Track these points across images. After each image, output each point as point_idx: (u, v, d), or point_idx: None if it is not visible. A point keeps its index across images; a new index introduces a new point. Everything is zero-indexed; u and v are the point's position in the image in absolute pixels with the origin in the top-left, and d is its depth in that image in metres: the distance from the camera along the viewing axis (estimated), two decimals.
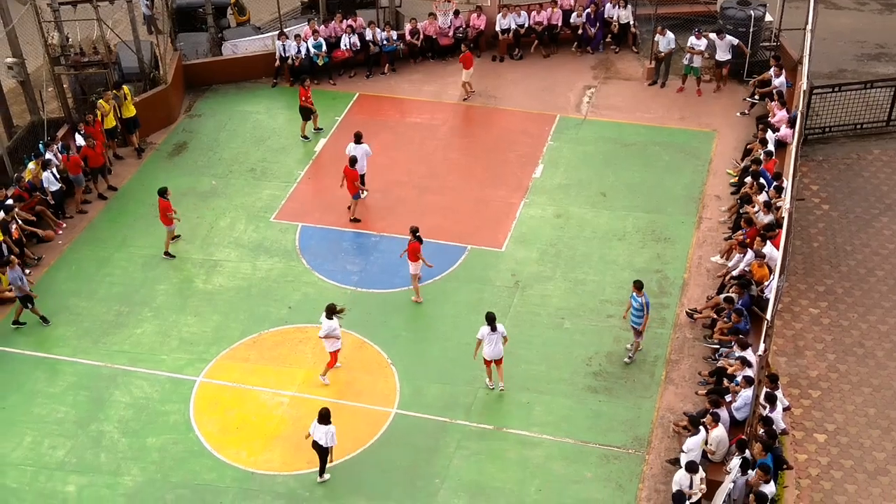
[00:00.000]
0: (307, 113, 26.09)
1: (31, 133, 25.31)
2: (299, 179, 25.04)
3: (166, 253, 22.54)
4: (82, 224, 23.75)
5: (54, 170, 23.36)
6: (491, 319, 18.59)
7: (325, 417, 17.02)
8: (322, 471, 17.59)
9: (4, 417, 19.07)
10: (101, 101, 25.04)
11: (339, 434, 18.35)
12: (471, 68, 27.04)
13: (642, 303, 18.86)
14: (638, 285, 18.97)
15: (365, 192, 23.70)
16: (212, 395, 19.43)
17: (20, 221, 22.40)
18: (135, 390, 19.53)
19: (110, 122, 25.14)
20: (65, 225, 23.65)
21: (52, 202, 23.54)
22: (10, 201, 22.36)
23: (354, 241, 23.01)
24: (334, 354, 19.24)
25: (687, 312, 20.54)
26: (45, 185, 23.28)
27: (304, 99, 25.84)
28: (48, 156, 23.60)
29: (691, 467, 15.82)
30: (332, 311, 18.87)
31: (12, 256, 20.82)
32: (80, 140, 24.30)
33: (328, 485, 17.62)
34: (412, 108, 27.59)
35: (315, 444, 17.27)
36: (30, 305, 20.85)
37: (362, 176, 23.69)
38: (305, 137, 26.25)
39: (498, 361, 18.93)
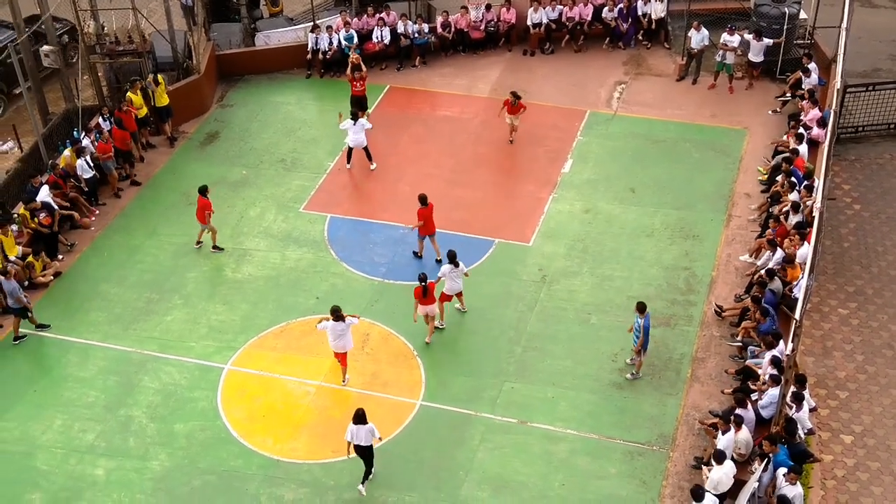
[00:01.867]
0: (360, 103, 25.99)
1: (66, 120, 25.61)
2: (329, 171, 25.17)
3: (215, 246, 22.66)
4: (114, 212, 24.01)
5: (88, 157, 23.63)
6: (452, 257, 19.98)
7: (360, 418, 16.83)
8: (366, 477, 17.38)
9: (35, 400, 19.36)
10: (129, 93, 25.26)
11: None
12: (518, 114, 25.15)
13: (641, 325, 18.50)
14: (640, 307, 18.55)
15: (373, 166, 24.77)
16: (239, 383, 19.61)
17: (56, 207, 22.60)
18: (163, 376, 19.75)
19: (142, 111, 25.37)
20: (98, 212, 23.93)
21: (86, 189, 23.81)
22: (44, 189, 22.59)
23: (383, 232, 23.12)
24: (343, 357, 19.15)
25: (715, 310, 20.46)
26: (79, 172, 23.56)
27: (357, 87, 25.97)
28: (84, 142, 23.86)
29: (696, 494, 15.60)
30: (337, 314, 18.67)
31: (10, 266, 20.46)
32: (104, 124, 24.57)
33: (353, 474, 17.72)
34: (443, 102, 27.63)
35: (357, 449, 17.08)
36: (29, 315, 20.51)
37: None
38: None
39: (459, 294, 20.29)
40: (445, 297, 20.31)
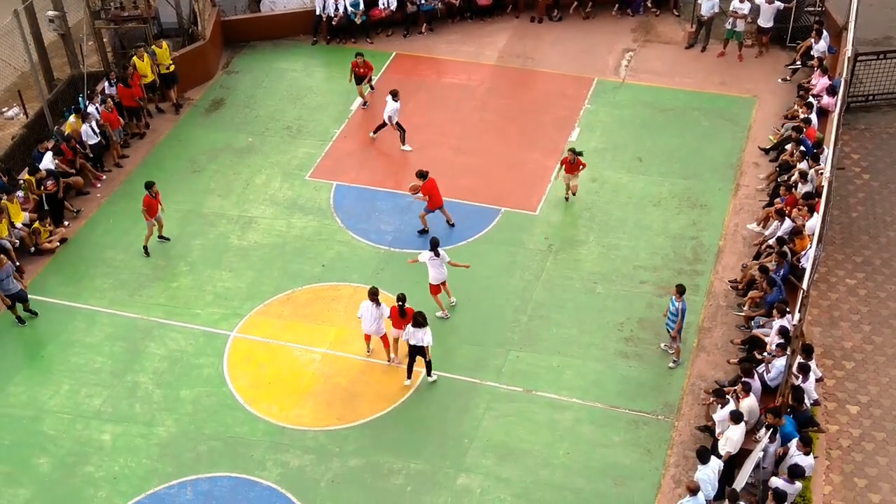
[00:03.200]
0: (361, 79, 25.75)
1: (72, 86, 25.50)
2: (335, 138, 25.05)
3: (161, 236, 21.88)
4: (120, 178, 23.97)
5: (93, 123, 23.56)
6: (434, 245, 19.60)
7: (420, 322, 17.90)
8: (429, 370, 18.66)
9: (42, 366, 19.43)
10: (134, 58, 25.14)
11: (370, 393, 18.63)
12: (576, 173, 22.38)
13: (679, 308, 18.26)
14: (679, 290, 18.28)
15: (408, 147, 24.41)
16: (245, 350, 19.64)
17: (58, 174, 22.55)
18: (170, 343, 19.79)
19: (149, 76, 25.24)
20: (104, 178, 23.88)
21: (91, 155, 23.75)
22: (48, 156, 22.54)
23: (389, 200, 23.05)
24: (384, 338, 19.08)
25: (731, 285, 20.36)
26: (84, 137, 23.50)
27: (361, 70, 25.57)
28: (90, 109, 23.77)
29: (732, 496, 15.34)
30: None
31: (1, 256, 19.83)
32: (109, 89, 24.48)
33: (358, 441, 17.81)
34: (449, 69, 27.44)
35: (412, 348, 18.20)
36: (15, 304, 19.96)
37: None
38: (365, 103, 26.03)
39: (443, 284, 19.91)
40: (435, 290, 19.90)
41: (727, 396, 16.63)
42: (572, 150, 21.95)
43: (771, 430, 15.81)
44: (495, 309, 20.25)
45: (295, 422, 18.22)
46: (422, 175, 21.45)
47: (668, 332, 18.74)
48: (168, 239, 21.96)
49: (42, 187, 22.00)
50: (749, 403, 16.55)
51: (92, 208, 23.06)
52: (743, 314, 19.52)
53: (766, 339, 17.98)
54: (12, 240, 21.32)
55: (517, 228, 22.18)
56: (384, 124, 24.31)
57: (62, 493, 17.14)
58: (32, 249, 21.68)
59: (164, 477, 17.37)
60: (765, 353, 17.70)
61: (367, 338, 19.11)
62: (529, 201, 22.90)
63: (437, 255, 19.62)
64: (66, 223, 22.55)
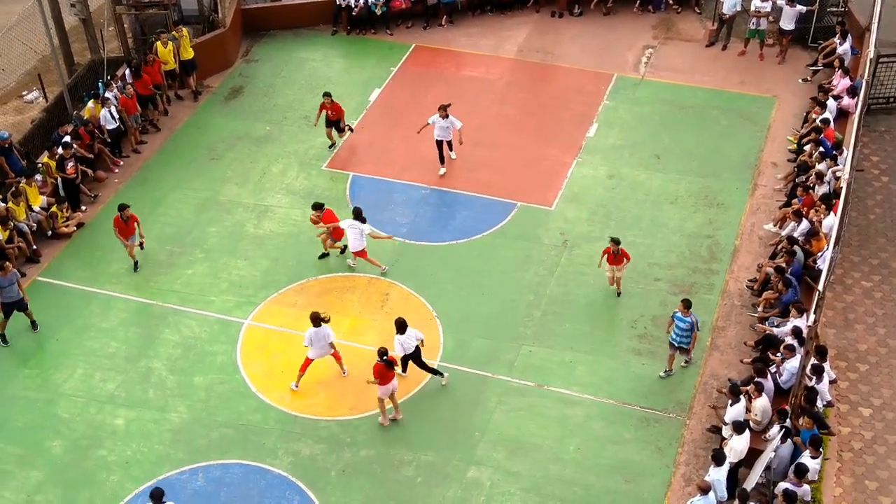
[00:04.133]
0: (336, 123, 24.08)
1: (91, 71, 25.60)
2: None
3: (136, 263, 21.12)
4: (138, 164, 24.06)
5: (112, 108, 23.64)
6: (357, 214, 20.31)
7: (402, 327, 17.80)
8: (436, 372, 18.53)
9: (57, 349, 19.55)
10: (157, 43, 25.22)
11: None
12: (621, 266, 20.12)
13: (691, 322, 17.91)
14: (686, 304, 17.92)
15: (453, 155, 23.71)
16: (259, 338, 19.71)
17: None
18: (184, 329, 19.88)
19: (170, 63, 25.30)
20: (121, 163, 23.99)
21: (109, 140, 23.85)
22: (68, 138, 22.69)
23: (405, 192, 23.06)
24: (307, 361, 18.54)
25: (747, 286, 20.30)
26: (103, 122, 23.59)
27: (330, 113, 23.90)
28: (108, 94, 23.86)
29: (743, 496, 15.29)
30: (317, 320, 18.12)
31: (7, 263, 19.25)
32: (130, 76, 24.55)
33: (369, 432, 17.86)
34: (468, 62, 27.40)
35: (405, 358, 18.11)
36: (11, 313, 19.46)
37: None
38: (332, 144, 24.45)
39: (361, 253, 20.21)
40: (361, 255, 20.47)
41: (741, 396, 16.57)
42: (614, 241, 19.71)
43: (783, 431, 15.77)
44: (509, 303, 20.25)
45: (307, 411, 18.28)
46: (317, 206, 20.78)
47: (675, 345, 18.27)
48: (136, 265, 21.02)
49: (59, 171, 22.10)
50: (762, 404, 16.50)
51: (109, 194, 23.16)
52: (757, 315, 19.45)
53: (783, 338, 17.91)
54: (30, 223, 21.47)
55: (532, 223, 22.17)
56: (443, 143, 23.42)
57: (75, 477, 17.26)
58: (49, 233, 21.81)
59: (176, 462, 17.46)
60: (778, 354, 17.64)
61: (307, 365, 18.37)
62: (545, 196, 22.87)
63: (363, 221, 20.13)
64: (83, 208, 22.67)
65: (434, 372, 18.60)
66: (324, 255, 21.20)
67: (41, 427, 18.07)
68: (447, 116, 22.72)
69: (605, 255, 19.97)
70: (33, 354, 19.42)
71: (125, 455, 17.58)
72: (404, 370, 18.52)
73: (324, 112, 23.91)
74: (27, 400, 18.57)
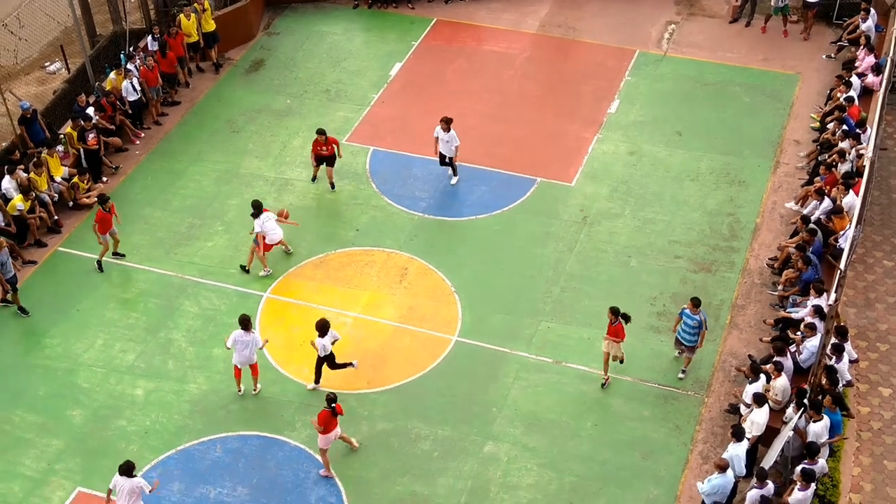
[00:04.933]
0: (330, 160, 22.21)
1: (114, 43, 25.62)
2: (373, 103, 25.02)
3: (98, 262, 20.57)
4: (159, 136, 24.11)
5: (134, 80, 23.67)
6: (256, 207, 19.46)
7: (323, 329, 17.44)
8: (348, 364, 18.06)
9: (78, 319, 19.69)
10: (181, 15, 25.20)
11: (400, 358, 18.71)
12: (619, 341, 17.73)
13: (700, 320, 17.41)
14: (695, 302, 17.36)
15: (453, 181, 22.33)
16: (278, 312, 19.78)
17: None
18: (203, 301, 19.97)
19: (193, 35, 25.27)
20: (143, 135, 24.04)
21: (130, 112, 23.90)
22: (90, 110, 22.76)
23: (424, 167, 23.00)
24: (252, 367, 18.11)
25: (767, 263, 20.18)
26: (124, 94, 23.63)
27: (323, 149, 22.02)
28: (129, 66, 23.88)
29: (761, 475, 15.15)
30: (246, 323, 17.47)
31: (1, 239, 19.28)
32: (152, 44, 24.55)
33: (386, 406, 17.93)
34: (489, 36, 27.24)
35: (321, 359, 17.75)
36: (16, 291, 19.57)
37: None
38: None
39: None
40: (267, 248, 20.02)
41: (761, 374, 16.50)
42: (613, 311, 17.45)
43: (802, 409, 15.71)
44: (527, 279, 20.23)
45: (325, 384, 18.34)
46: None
47: (681, 342, 17.82)
48: (123, 255, 20.76)
49: (81, 142, 22.17)
50: (781, 383, 16.45)
51: (130, 165, 23.24)
52: (777, 293, 19.36)
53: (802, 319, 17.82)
54: (51, 193, 21.58)
55: (552, 199, 22.09)
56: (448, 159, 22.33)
57: (94, 446, 17.43)
58: (71, 204, 21.93)
59: (195, 433, 17.60)
60: (798, 333, 17.56)
61: (238, 372, 17.87)
62: (566, 172, 22.78)
63: (258, 216, 19.73)
64: (104, 179, 22.76)
65: (345, 366, 18.05)
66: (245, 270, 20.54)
67: (62, 396, 18.24)
68: (449, 130, 21.61)
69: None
70: (54, 324, 19.58)
71: (144, 425, 17.73)
72: (317, 381, 18.13)
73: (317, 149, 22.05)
74: (48, 369, 18.74)
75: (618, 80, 25.48)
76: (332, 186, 22.33)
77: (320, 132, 21.83)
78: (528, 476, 16.85)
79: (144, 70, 23.94)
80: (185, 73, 25.59)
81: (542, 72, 25.95)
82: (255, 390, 18.12)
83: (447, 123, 21.64)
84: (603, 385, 18.01)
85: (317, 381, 18.18)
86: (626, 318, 17.37)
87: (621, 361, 17.92)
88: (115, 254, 20.84)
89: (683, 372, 18.22)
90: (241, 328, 17.51)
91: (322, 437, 16.46)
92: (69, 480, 16.82)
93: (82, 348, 19.11)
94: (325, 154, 21.95)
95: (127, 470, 15.40)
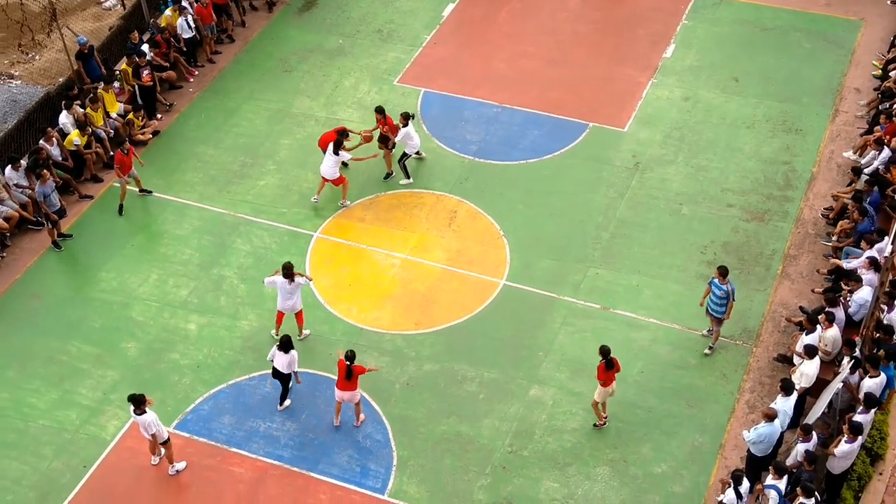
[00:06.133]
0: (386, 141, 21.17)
1: None
2: (425, 44, 24.84)
3: (143, 189, 20.88)
4: (213, 74, 24.21)
5: (189, 17, 23.73)
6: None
7: (286, 345, 16.49)
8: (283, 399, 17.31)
9: (133, 254, 20.04)
10: None
11: (448, 301, 18.80)
12: (609, 384, 16.55)
13: (727, 290, 16.97)
14: (722, 271, 16.97)
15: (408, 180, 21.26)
16: (327, 252, 19.96)
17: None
18: (255, 239, 20.20)
19: None
20: (196, 73, 24.16)
21: (185, 49, 23.99)
22: (145, 46, 22.89)
23: (476, 110, 22.88)
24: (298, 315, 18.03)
25: (822, 214, 19.89)
26: (179, 31, 23.72)
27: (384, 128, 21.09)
28: (184, 3, 23.92)
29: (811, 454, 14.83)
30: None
31: (45, 171, 19.59)
32: None
33: (433, 347, 18.10)
34: None
35: (275, 372, 16.83)
36: (51, 224, 19.76)
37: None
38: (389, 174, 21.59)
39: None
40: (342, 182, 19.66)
41: (817, 325, 16.33)
42: (603, 352, 16.23)
43: (853, 362, 15.58)
44: (577, 224, 20.16)
45: (373, 324, 18.55)
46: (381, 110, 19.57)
47: (712, 314, 17.41)
48: (150, 192, 20.93)
49: (136, 78, 22.35)
50: (832, 334, 16.29)
51: (184, 103, 23.40)
52: (831, 244, 19.09)
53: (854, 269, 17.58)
54: (107, 129, 21.84)
55: (604, 144, 21.89)
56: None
57: (148, 378, 17.84)
58: (126, 140, 22.16)
59: (246, 368, 17.93)
60: (850, 284, 17.34)
61: (280, 317, 17.94)
62: (619, 117, 22.52)
63: (339, 152, 19.43)
64: (158, 116, 22.97)
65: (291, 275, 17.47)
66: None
67: (117, 329, 18.65)
68: (407, 125, 20.53)
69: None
70: (110, 258, 19.94)
71: (197, 359, 18.10)
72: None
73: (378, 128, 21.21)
74: (103, 302, 19.15)
75: (674, 24, 25.00)
76: (392, 174, 21.30)
77: (379, 110, 20.91)
78: (573, 420, 16.97)
79: (199, 7, 23.98)
80: (240, 12, 25.58)
81: (597, 14, 25.53)
82: (300, 336, 18.26)
83: (406, 119, 20.12)
84: (595, 426, 16.88)
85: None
86: (610, 364, 16.19)
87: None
88: (142, 190, 21.02)
89: (710, 348, 17.77)
90: (284, 276, 17.40)
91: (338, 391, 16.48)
92: (124, 411, 17.25)
93: (137, 283, 19.47)
94: (385, 132, 20.88)
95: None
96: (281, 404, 17.24)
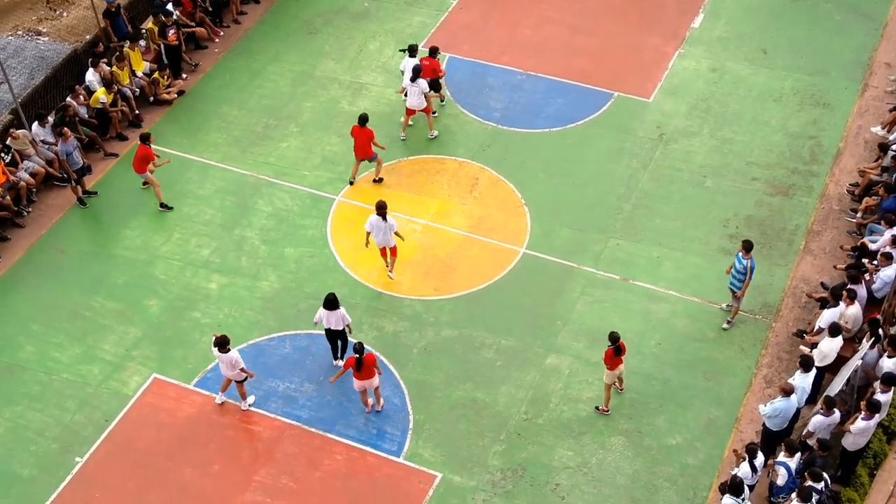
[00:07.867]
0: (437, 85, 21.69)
1: None
2: (451, 9, 24.68)
3: (162, 204, 20.13)
4: (238, 34, 24.18)
5: None
6: (380, 208, 17.88)
7: (332, 303, 16.53)
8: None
9: (156, 213, 20.15)
10: None
11: (467, 267, 18.86)
12: (615, 368, 16.44)
13: (747, 266, 16.86)
14: (746, 246, 16.79)
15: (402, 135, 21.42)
16: (348, 215, 20.01)
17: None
18: (277, 202, 20.27)
19: None
20: (222, 33, 24.13)
21: (210, 9, 23.96)
22: (170, 5, 22.87)
23: (500, 77, 22.77)
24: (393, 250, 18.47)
25: (847, 190, 19.74)
26: None
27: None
28: None
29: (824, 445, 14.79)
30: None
31: (66, 129, 19.59)
32: None
33: (452, 313, 18.16)
34: None
35: (329, 332, 16.98)
36: (74, 182, 19.86)
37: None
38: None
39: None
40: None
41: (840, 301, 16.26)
42: (612, 339, 16.04)
43: (873, 339, 15.53)
44: (599, 195, 20.10)
45: (393, 289, 18.63)
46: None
47: (732, 290, 17.32)
48: (171, 207, 20.20)
49: (164, 37, 22.36)
50: (854, 311, 16.23)
51: (209, 63, 23.41)
52: (856, 220, 18.97)
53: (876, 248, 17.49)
54: (133, 88, 21.90)
55: (629, 115, 21.76)
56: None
57: (169, 335, 18.03)
58: (151, 99, 22.27)
59: (266, 329, 18.08)
60: (873, 262, 17.24)
61: (384, 251, 18.50)
62: (644, 87, 22.36)
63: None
64: (184, 76, 23.00)
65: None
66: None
67: (139, 286, 18.83)
68: (415, 80, 20.65)
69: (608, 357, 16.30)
70: (133, 216, 20.08)
71: (218, 318, 18.26)
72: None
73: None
74: (126, 259, 19.32)
75: None
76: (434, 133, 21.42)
77: (433, 51, 21.30)
78: (589, 390, 17.03)
79: None
80: None
81: None
82: (390, 273, 18.62)
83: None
84: (597, 408, 16.84)
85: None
86: (618, 350, 16.04)
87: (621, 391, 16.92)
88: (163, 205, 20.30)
89: (729, 322, 17.73)
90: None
91: (357, 382, 16.41)
92: (145, 367, 17.48)
93: (160, 241, 19.62)
94: (434, 76, 21.23)
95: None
96: (337, 358, 17.39)
